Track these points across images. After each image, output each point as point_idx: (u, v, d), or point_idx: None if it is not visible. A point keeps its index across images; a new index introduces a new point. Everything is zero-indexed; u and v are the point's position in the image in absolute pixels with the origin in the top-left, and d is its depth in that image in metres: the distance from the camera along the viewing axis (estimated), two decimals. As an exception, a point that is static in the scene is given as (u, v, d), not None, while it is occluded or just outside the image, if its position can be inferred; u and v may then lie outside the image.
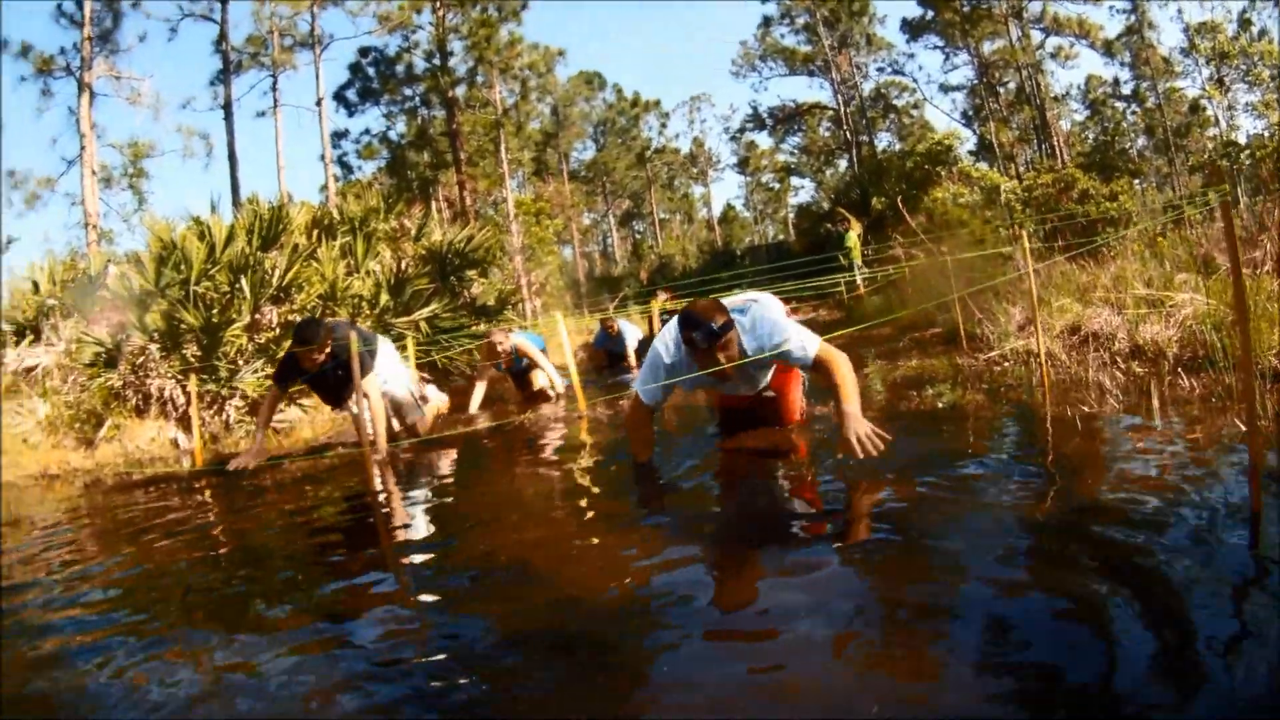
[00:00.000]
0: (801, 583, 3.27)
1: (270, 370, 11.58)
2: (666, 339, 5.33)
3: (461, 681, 2.78)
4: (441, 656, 3.00)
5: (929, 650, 2.66)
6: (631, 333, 15.48)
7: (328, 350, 7.81)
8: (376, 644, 3.22)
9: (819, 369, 5.12)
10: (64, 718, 2.96)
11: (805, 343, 5.13)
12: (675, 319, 5.17)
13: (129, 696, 2.98)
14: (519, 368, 11.58)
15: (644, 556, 3.82)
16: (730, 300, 5.44)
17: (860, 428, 4.60)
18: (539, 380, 11.37)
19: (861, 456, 4.48)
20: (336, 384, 8.22)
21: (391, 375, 8.47)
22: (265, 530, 5.79)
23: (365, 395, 7.68)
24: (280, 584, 4.38)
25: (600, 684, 2.67)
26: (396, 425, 8.71)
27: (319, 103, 35.07)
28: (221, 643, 3.42)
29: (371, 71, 41.74)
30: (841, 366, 5.03)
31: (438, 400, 9.77)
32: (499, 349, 11.09)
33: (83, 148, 27.12)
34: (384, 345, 8.52)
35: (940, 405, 6.49)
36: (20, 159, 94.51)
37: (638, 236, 72.61)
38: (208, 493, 7.73)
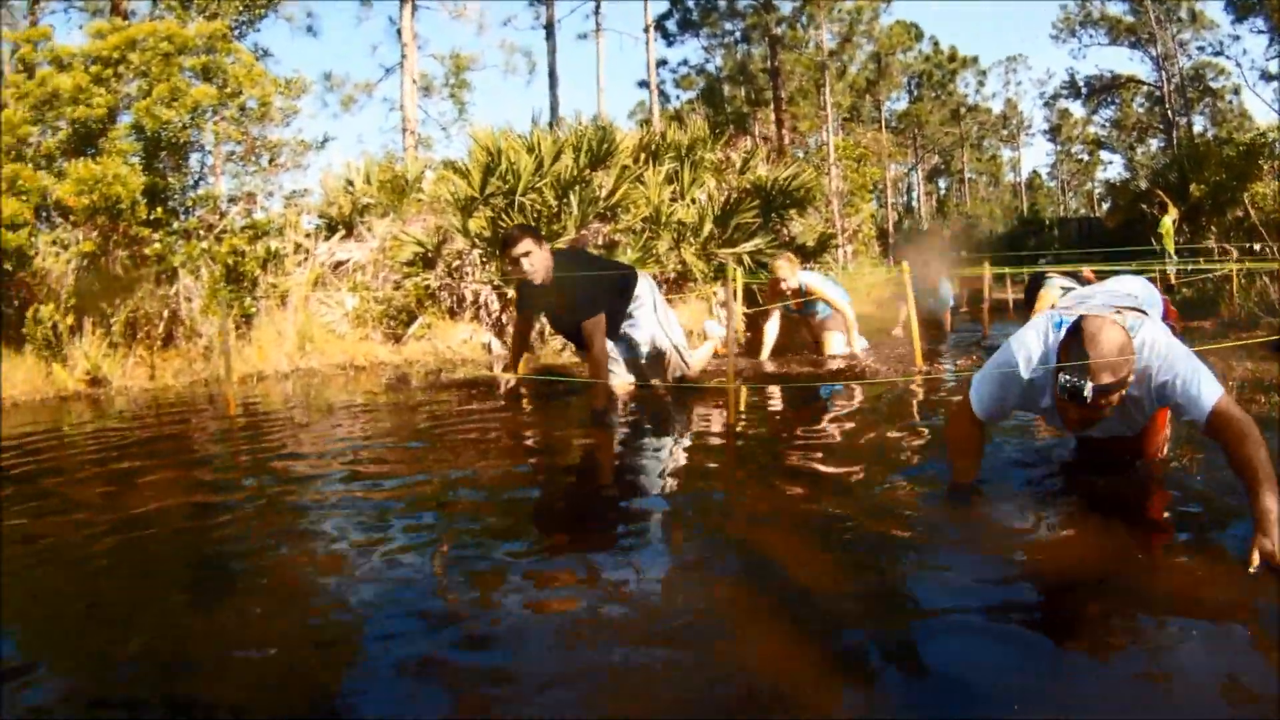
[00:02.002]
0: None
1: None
2: (1032, 341, 3.82)
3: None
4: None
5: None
6: (948, 291, 14.30)
7: (524, 255, 6.67)
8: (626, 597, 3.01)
9: (1215, 428, 3.53)
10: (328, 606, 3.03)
11: (1202, 387, 3.56)
12: (1049, 317, 3.83)
13: (389, 607, 2.96)
14: (810, 312, 10.16)
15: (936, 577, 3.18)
16: (1119, 302, 3.90)
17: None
18: (833, 344, 9.91)
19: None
20: (563, 321, 7.29)
21: (646, 320, 7.33)
22: (567, 449, 5.77)
23: (590, 338, 6.78)
24: (565, 510, 4.33)
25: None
26: (656, 381, 7.59)
27: (646, 29, 34.94)
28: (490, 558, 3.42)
29: (691, 3, 41.52)
30: (1252, 432, 3.47)
31: (715, 342, 8.49)
32: (782, 285, 9.83)
33: (404, 56, 27.52)
34: (644, 284, 7.41)
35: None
36: (337, 63, 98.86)
37: (942, 193, 71.11)
38: (524, 402, 7.62)
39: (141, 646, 2.71)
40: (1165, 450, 4.53)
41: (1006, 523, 3.64)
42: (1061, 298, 4.41)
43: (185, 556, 3.62)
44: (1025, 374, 3.74)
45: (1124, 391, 3.49)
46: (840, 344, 9.79)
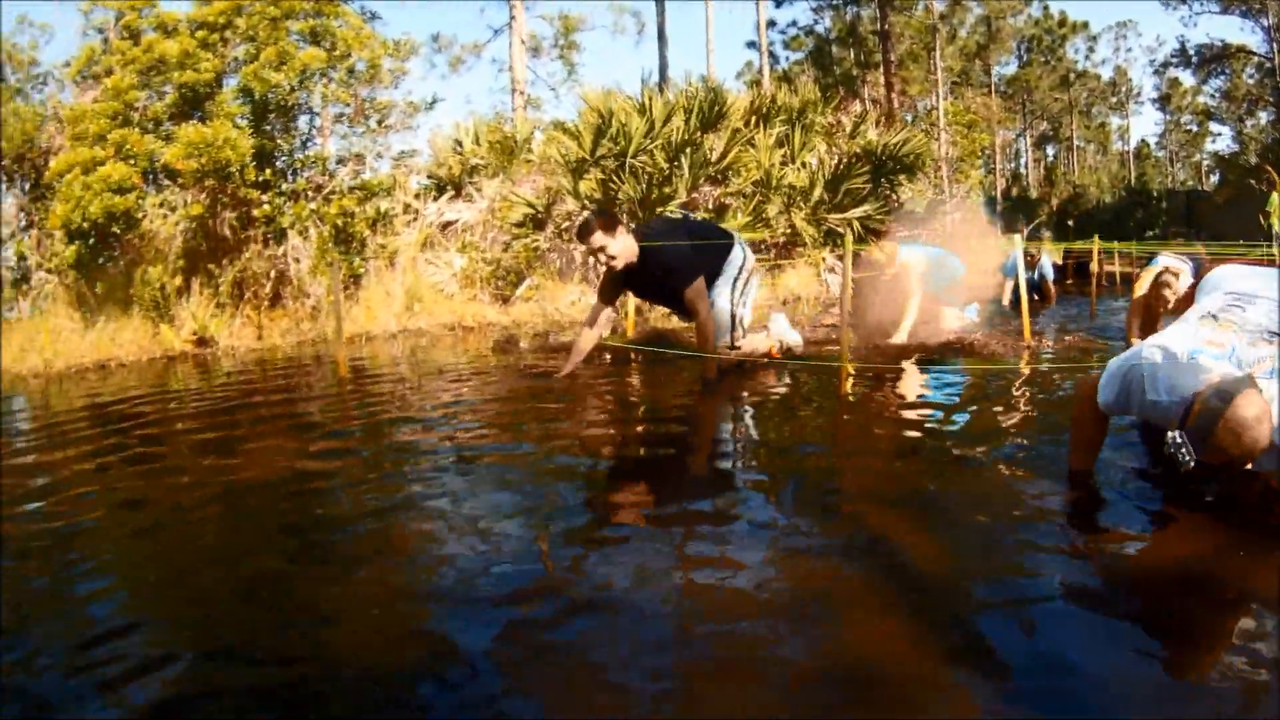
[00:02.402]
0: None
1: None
2: (1159, 359, 3.30)
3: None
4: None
5: None
6: (1049, 265, 13.82)
7: (600, 250, 6.31)
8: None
9: None
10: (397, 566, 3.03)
11: None
12: (1193, 340, 3.29)
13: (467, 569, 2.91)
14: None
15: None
16: (1262, 305, 3.41)
17: None
18: (945, 318, 9.03)
19: None
20: (663, 294, 6.88)
21: (725, 280, 6.84)
22: (675, 417, 5.61)
23: (694, 306, 6.44)
24: (670, 480, 4.14)
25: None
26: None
27: (758, -10, 34.52)
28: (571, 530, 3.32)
29: (799, -36, 41.21)
30: None
31: (774, 340, 7.49)
32: (879, 257, 8.90)
33: (512, 17, 27.54)
34: (738, 250, 6.90)
35: None
36: (445, 24, 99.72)
37: (1050, 160, 69.99)
38: (633, 367, 7.48)
39: (249, 606, 2.72)
40: None
41: (1120, 512, 3.39)
42: (1207, 294, 3.76)
43: (293, 518, 3.60)
44: (1149, 394, 3.29)
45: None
46: (953, 318, 9.25)
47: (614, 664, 2.26)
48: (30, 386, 8.31)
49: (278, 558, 3.15)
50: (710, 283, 6.69)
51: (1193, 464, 2.87)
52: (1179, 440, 2.90)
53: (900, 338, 8.29)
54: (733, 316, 6.81)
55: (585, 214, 6.70)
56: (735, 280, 6.82)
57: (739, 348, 6.88)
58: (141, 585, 2.99)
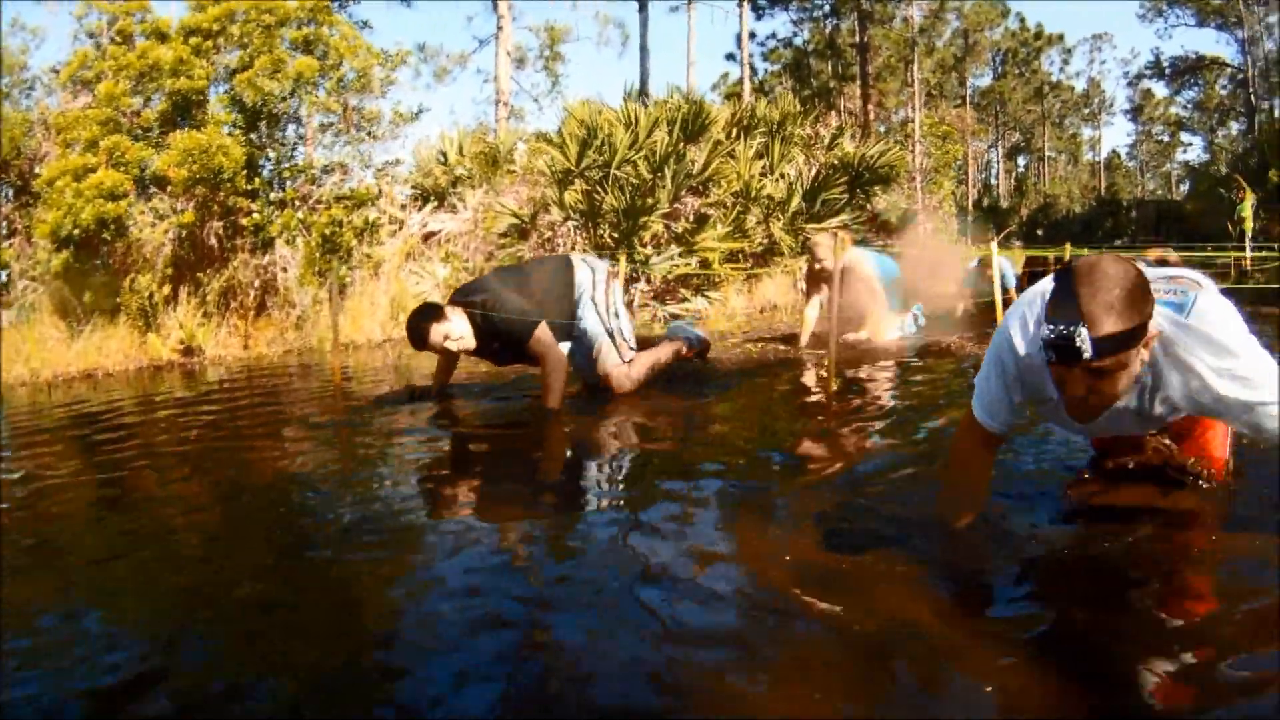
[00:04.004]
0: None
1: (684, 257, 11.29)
2: (1016, 321, 2.83)
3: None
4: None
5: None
6: (1009, 271, 13.59)
7: (444, 342, 5.72)
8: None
9: None
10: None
11: (1260, 384, 2.55)
12: (1046, 283, 2.71)
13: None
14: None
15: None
16: (1156, 273, 2.75)
17: None
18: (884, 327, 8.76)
19: None
20: (516, 354, 6.11)
21: (587, 311, 6.27)
22: (667, 421, 5.58)
23: (541, 356, 5.78)
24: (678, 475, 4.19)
25: None
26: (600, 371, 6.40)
27: (740, 3, 34.59)
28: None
29: (783, -25, 41.33)
30: None
31: (679, 343, 6.90)
32: (817, 266, 8.62)
33: (499, 29, 27.56)
34: (581, 273, 6.32)
35: None
36: (430, 34, 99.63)
37: (1020, 171, 70.41)
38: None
39: (228, 623, 2.75)
40: (1226, 471, 3.45)
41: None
42: None
43: (274, 537, 3.58)
44: (1021, 346, 2.77)
45: (1143, 355, 2.51)
46: (893, 328, 8.91)
47: (611, 659, 2.34)
48: (17, 395, 8.37)
49: (262, 572, 3.16)
50: (570, 321, 6.26)
51: (1085, 336, 2.32)
52: (1057, 326, 2.39)
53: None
54: (610, 335, 6.32)
55: (416, 314, 5.90)
56: (594, 297, 6.32)
57: (632, 363, 6.40)
58: (118, 598, 3.01)
